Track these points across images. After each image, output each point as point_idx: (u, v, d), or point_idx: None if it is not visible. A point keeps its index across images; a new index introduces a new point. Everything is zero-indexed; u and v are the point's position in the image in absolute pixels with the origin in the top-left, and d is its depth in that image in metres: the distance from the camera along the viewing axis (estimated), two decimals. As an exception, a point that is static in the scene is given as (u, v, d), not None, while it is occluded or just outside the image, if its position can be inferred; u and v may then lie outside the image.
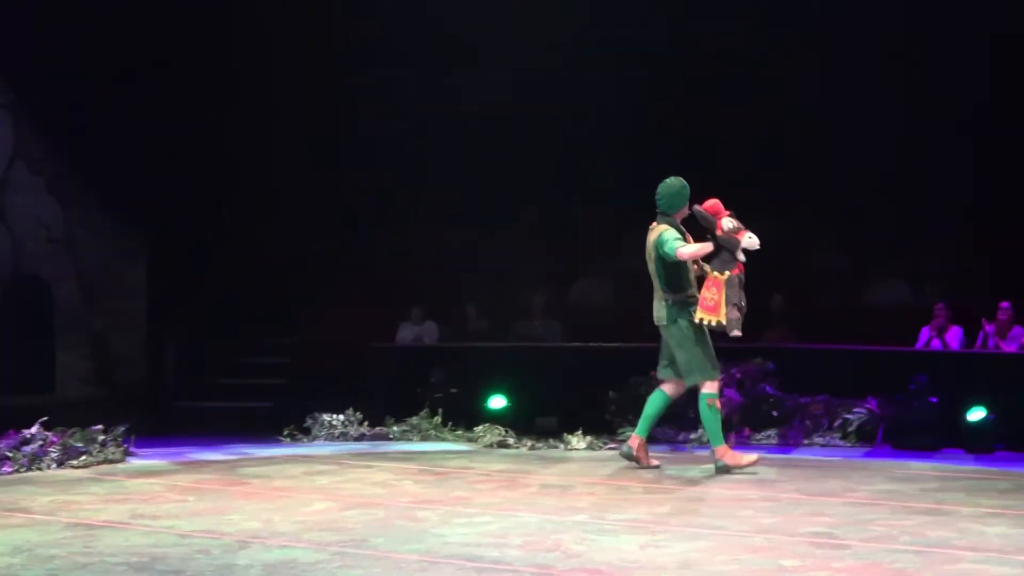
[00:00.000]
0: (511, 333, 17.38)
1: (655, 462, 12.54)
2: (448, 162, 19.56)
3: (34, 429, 13.08)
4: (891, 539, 8.94)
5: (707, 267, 12.14)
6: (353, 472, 12.47)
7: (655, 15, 19.02)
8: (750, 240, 11.99)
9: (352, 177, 19.89)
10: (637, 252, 19.64)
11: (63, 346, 18.00)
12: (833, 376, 14.94)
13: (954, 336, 16.10)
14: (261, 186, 19.61)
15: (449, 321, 18.31)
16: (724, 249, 12.02)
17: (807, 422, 14.60)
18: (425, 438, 15.06)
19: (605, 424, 15.03)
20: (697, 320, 12.00)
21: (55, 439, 12.98)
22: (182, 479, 12.03)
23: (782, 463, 12.91)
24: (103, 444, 13.23)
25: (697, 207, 12.09)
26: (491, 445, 14.45)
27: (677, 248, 11.88)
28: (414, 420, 15.30)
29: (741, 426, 14.36)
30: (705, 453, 13.01)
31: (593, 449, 14.13)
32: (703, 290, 12.05)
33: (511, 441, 14.48)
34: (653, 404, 12.50)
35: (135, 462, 13.21)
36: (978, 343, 15.93)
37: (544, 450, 14.16)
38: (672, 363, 12.37)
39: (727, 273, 11.95)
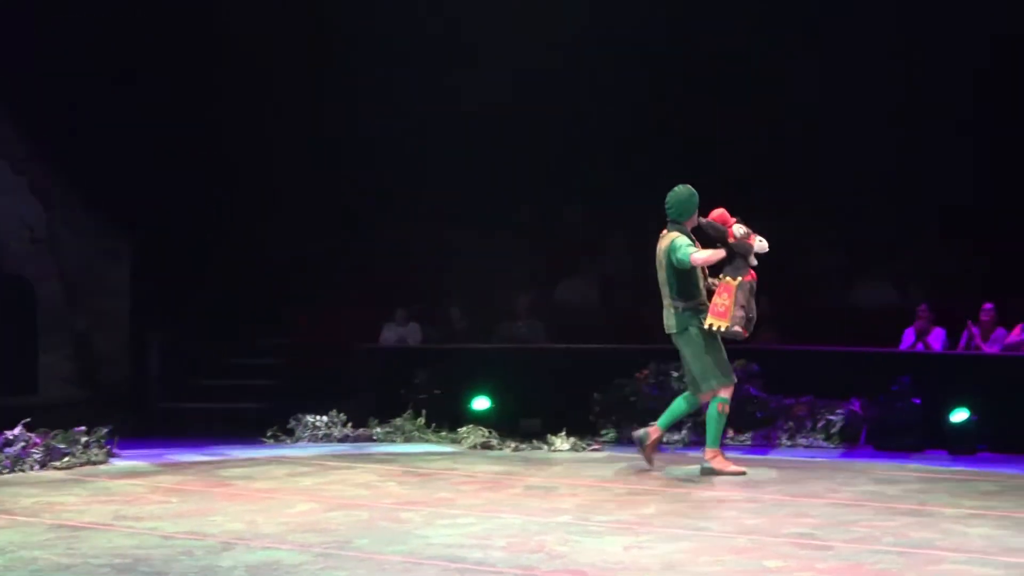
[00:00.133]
0: (495, 334, 17.37)
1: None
2: (432, 163, 19.54)
3: (17, 430, 13.05)
4: (874, 540, 8.96)
5: (712, 280, 12.16)
6: (337, 473, 12.46)
7: (655, 15, 18.98)
8: (760, 244, 12.04)
9: (339, 177, 19.87)
10: (622, 253, 19.78)
11: (46, 346, 17.95)
12: (817, 377, 14.96)
13: (937, 338, 16.13)
14: (251, 188, 19.58)
15: (433, 322, 18.30)
16: (737, 255, 12.04)
17: (790, 423, 14.63)
18: (409, 439, 15.05)
19: (589, 425, 15.05)
20: (707, 326, 11.98)
21: (38, 440, 12.95)
22: (165, 480, 12.02)
23: (765, 464, 12.93)
24: (86, 445, 13.21)
25: (703, 220, 12.08)
26: (475, 446, 14.45)
27: (691, 254, 11.84)
28: (398, 421, 15.30)
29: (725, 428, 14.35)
30: (688, 454, 13.01)
31: (577, 450, 14.14)
32: (715, 295, 12.05)
33: (495, 443, 14.48)
34: (680, 404, 12.44)
35: (118, 463, 13.19)
36: (961, 344, 15.97)
37: (528, 451, 14.16)
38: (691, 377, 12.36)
39: (739, 279, 11.96)
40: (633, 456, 13.75)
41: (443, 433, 15.05)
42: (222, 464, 13.21)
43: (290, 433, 15.22)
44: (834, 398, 14.75)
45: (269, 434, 15.18)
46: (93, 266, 18.49)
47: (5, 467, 12.57)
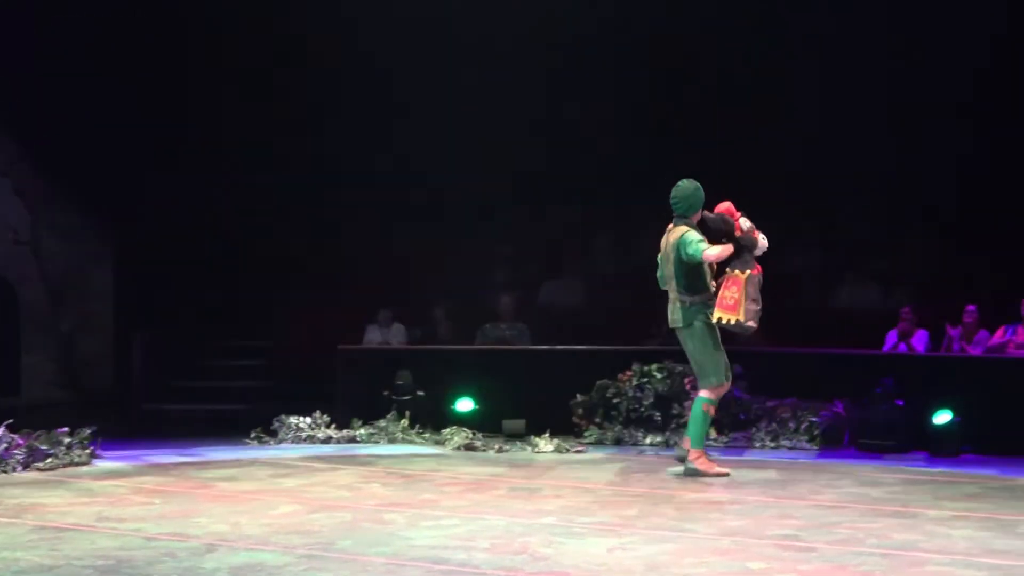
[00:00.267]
0: (479, 335, 17.36)
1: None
2: (416, 162, 19.52)
3: (-1, 431, 13.04)
4: (857, 542, 8.97)
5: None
6: (320, 475, 12.45)
7: (646, 13, 18.97)
8: (763, 240, 12.03)
9: (323, 178, 19.84)
10: (606, 255, 19.78)
11: (29, 348, 17.94)
12: (800, 379, 14.98)
13: (920, 339, 16.17)
14: (235, 189, 19.55)
15: (418, 324, 18.29)
16: (744, 249, 12.02)
17: (773, 424, 14.64)
18: (392, 441, 15.04)
19: (573, 427, 15.06)
20: (715, 320, 11.97)
21: (21, 441, 12.90)
22: (148, 482, 12.00)
23: (748, 465, 12.94)
24: (69, 447, 13.17)
25: (709, 214, 12.05)
26: (459, 448, 14.44)
27: (703, 250, 11.82)
28: (381, 423, 15.28)
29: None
30: (670, 456, 13.02)
31: (561, 452, 14.13)
32: (723, 289, 12.01)
33: (479, 444, 14.48)
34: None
35: (101, 464, 13.16)
36: (942, 347, 16.01)
37: (512, 453, 14.16)
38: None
39: (748, 272, 11.97)
40: (616, 457, 13.79)
41: (427, 435, 15.04)
42: (205, 466, 13.18)
43: (273, 434, 15.20)
44: (817, 400, 14.77)
45: (252, 435, 15.16)
46: (77, 268, 18.48)
47: (-12, 468, 12.55)
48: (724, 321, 11.96)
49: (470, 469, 12.85)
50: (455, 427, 14.93)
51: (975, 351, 15.77)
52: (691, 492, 11.34)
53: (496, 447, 14.33)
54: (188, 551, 8.73)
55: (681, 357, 14.86)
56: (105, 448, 13.62)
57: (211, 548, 8.83)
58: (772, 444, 14.41)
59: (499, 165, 19.17)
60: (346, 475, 12.39)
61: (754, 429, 14.67)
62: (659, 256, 12.36)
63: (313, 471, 12.72)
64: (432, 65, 19.26)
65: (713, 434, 14.08)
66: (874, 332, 16.39)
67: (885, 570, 8.13)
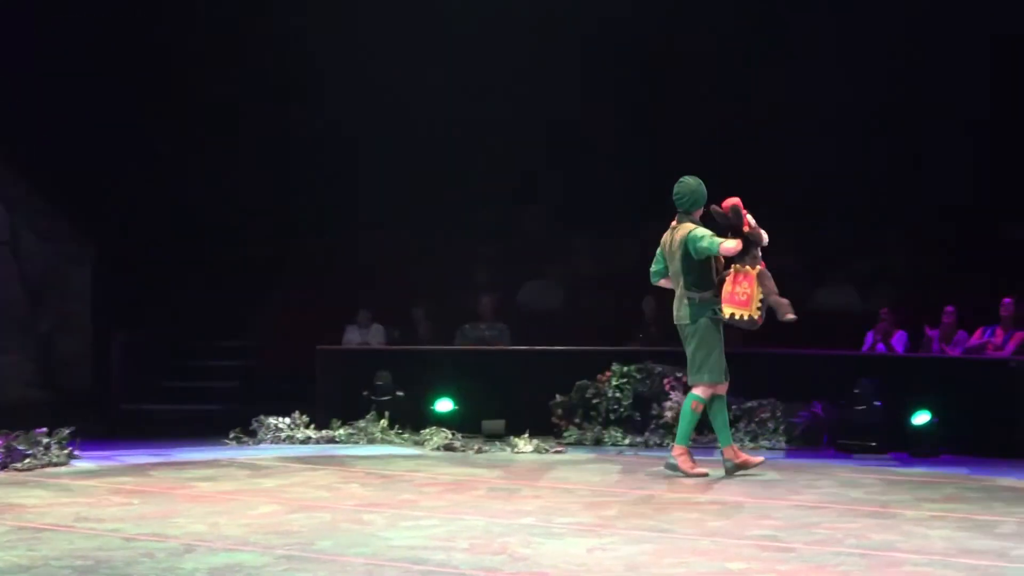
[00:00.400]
0: (459, 336, 17.35)
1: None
2: (396, 163, 19.52)
3: (-23, 432, 13.01)
4: (836, 542, 8.98)
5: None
6: (299, 475, 12.43)
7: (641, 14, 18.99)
8: (765, 235, 11.97)
9: (303, 178, 19.83)
10: (585, 255, 19.79)
11: (7, 348, 17.88)
12: (779, 380, 14.99)
13: (899, 340, 16.20)
14: (214, 191, 19.53)
15: (397, 324, 18.27)
16: (751, 244, 11.94)
17: (752, 425, 14.66)
18: (372, 441, 15.02)
19: (552, 427, 15.06)
20: (727, 316, 11.91)
21: (-1, 441, 12.90)
22: (127, 482, 11.97)
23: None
24: (47, 447, 13.13)
25: (716, 208, 11.92)
26: (438, 448, 14.43)
27: (720, 244, 11.75)
28: (361, 423, 15.25)
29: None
30: (649, 456, 13.03)
31: (540, 452, 14.13)
32: (733, 285, 11.90)
33: (458, 444, 14.46)
34: (719, 414, 12.37)
35: (80, 465, 13.12)
36: (922, 347, 16.04)
37: (491, 453, 14.16)
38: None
39: (759, 267, 11.91)
40: (595, 457, 13.80)
41: (406, 435, 15.02)
42: (184, 466, 13.16)
43: (252, 435, 15.16)
44: (796, 400, 14.78)
45: (232, 436, 15.12)
46: (55, 268, 18.43)
47: (-35, 469, 12.51)
48: (737, 316, 11.89)
49: (449, 470, 12.85)
50: (435, 428, 14.91)
51: (954, 352, 15.81)
52: (670, 492, 11.35)
53: (476, 448, 14.32)
54: (167, 551, 8.71)
55: (660, 358, 14.92)
56: (84, 448, 13.57)
57: (190, 548, 8.81)
58: (751, 444, 14.42)
59: (480, 165, 19.18)
60: (325, 475, 12.38)
61: (733, 430, 14.66)
62: (658, 251, 12.28)
63: (292, 472, 12.70)
64: (415, 61, 19.26)
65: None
66: (853, 333, 16.41)
67: (863, 570, 8.15)
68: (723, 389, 12.18)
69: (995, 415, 13.98)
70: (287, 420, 15.24)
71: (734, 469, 12.18)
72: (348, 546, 8.85)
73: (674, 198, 12.10)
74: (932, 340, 16.00)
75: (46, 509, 10.46)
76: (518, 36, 19.12)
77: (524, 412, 14.95)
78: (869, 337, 16.30)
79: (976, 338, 15.84)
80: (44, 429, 13.29)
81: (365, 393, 15.51)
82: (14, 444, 12.91)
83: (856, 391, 14.27)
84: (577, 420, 15.08)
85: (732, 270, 11.96)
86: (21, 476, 12.40)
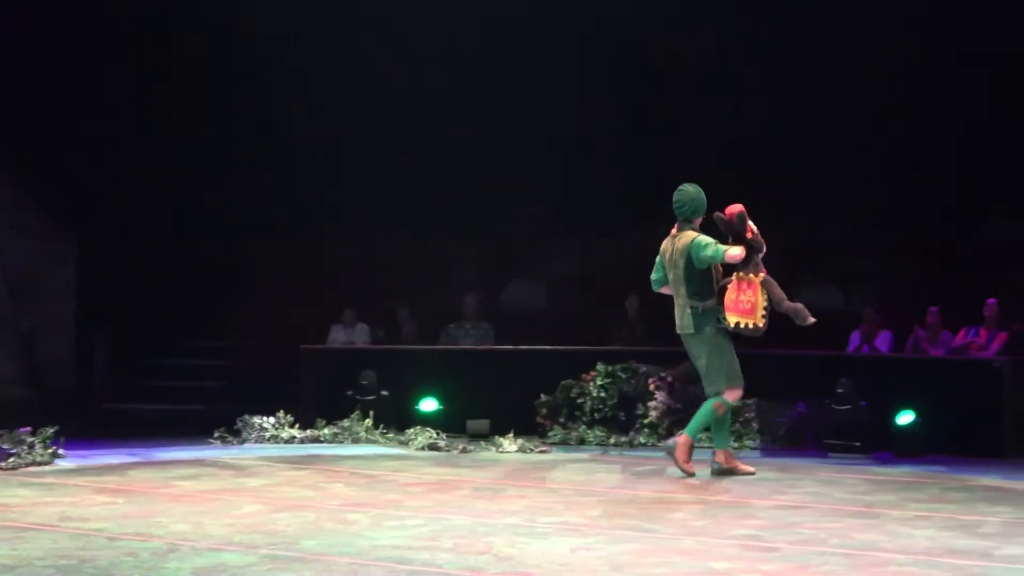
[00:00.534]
0: (443, 335, 17.34)
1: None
2: (381, 162, 19.51)
3: (-40, 431, 12.98)
4: (820, 542, 8.99)
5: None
6: (283, 475, 12.42)
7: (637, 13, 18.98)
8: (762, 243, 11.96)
9: (287, 178, 19.80)
10: (570, 255, 19.79)
11: (-10, 347, 17.86)
12: (763, 379, 14.97)
13: (884, 340, 16.21)
14: (198, 190, 19.50)
15: (382, 323, 18.27)
16: (754, 251, 11.89)
17: (736, 425, 14.66)
18: (356, 441, 15.00)
19: (537, 427, 15.06)
20: (733, 324, 11.88)
21: (-19, 441, 12.87)
22: (111, 481, 11.95)
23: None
24: (31, 446, 13.10)
25: (722, 215, 11.86)
26: (423, 448, 14.42)
27: (725, 251, 11.69)
28: (345, 423, 15.23)
29: (671, 429, 14.33)
30: (634, 456, 13.03)
31: (524, 452, 14.14)
32: (737, 293, 11.84)
33: (443, 444, 14.46)
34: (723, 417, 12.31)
35: (63, 464, 13.09)
36: (908, 348, 16.06)
37: (476, 453, 14.16)
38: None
39: (761, 275, 11.89)
40: (580, 457, 13.80)
41: (391, 435, 15.01)
42: (168, 465, 13.14)
43: (237, 434, 15.14)
44: (781, 400, 14.79)
45: (215, 436, 15.09)
46: (38, 267, 18.39)
47: (-51, 468, 12.48)
48: (743, 325, 11.85)
49: (434, 469, 12.84)
50: (419, 427, 14.90)
51: (938, 352, 15.83)
52: (654, 492, 11.36)
53: (460, 447, 14.32)
54: (150, 551, 8.69)
55: (645, 357, 14.94)
56: (67, 447, 13.54)
57: (173, 548, 8.80)
58: (735, 444, 14.41)
59: (480, 165, 19.18)
60: (310, 475, 12.37)
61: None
62: (657, 260, 12.23)
63: (276, 471, 12.69)
64: (401, 63, 19.25)
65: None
66: (837, 333, 16.41)
67: (847, 570, 8.16)
68: (734, 395, 12.15)
69: (979, 415, 14.02)
70: (271, 420, 15.22)
71: (720, 472, 12.17)
72: (332, 546, 8.85)
73: (674, 207, 12.05)
74: (922, 340, 16.02)
75: (30, 508, 10.44)
76: (518, 36, 19.08)
77: (509, 412, 14.96)
78: (854, 337, 16.31)
79: (960, 338, 15.87)
80: (28, 428, 13.27)
81: (350, 392, 15.50)
82: (-3, 443, 12.90)
83: (841, 391, 14.27)
84: (562, 420, 15.09)
85: (734, 278, 11.91)
86: (4, 475, 12.37)
